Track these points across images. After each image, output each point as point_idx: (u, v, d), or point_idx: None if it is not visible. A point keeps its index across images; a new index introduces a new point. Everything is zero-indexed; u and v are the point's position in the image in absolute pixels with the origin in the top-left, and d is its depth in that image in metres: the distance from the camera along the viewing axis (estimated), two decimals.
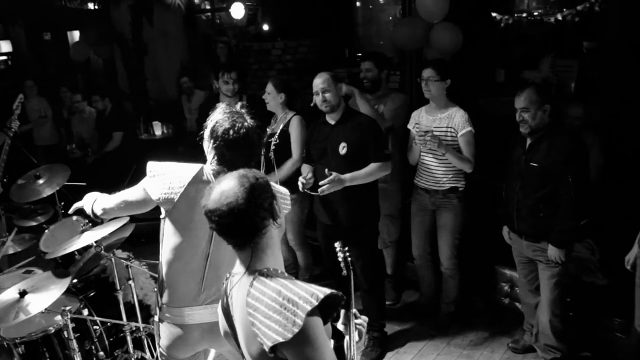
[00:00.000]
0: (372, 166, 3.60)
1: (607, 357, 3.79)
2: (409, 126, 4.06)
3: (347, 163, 3.61)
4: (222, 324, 1.81)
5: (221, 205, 1.62)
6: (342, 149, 3.62)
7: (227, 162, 2.31)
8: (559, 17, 4.49)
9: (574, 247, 3.57)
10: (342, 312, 2.00)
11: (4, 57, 9.49)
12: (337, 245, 2.30)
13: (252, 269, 1.67)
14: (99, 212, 2.64)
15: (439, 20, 4.73)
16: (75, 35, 9.57)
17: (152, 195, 2.38)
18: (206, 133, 2.36)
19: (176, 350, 2.52)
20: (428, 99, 3.96)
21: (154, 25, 8.40)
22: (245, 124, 2.30)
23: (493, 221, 4.47)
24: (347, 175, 3.53)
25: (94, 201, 2.68)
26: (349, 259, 2.25)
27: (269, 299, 1.55)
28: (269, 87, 4.23)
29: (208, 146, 2.37)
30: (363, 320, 2.04)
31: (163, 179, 2.39)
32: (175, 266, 2.43)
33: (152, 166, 2.45)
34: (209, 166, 2.39)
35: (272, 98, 4.23)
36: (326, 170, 3.55)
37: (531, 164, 3.40)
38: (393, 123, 4.26)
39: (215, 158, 2.35)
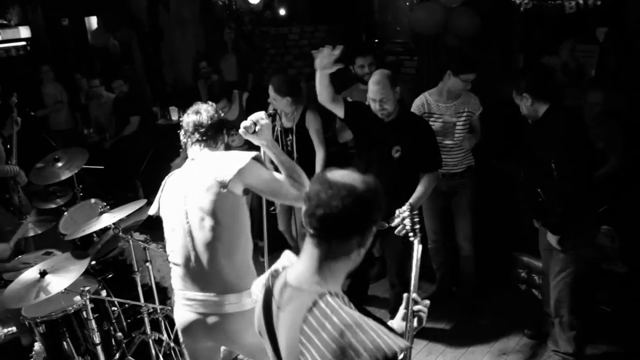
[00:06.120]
0: (428, 179, 3.44)
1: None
2: None
3: (400, 167, 3.49)
4: (259, 322, 1.66)
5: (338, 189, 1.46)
6: (396, 152, 3.47)
7: (204, 141, 2.52)
8: (580, 1, 4.40)
9: (584, 242, 3.34)
10: (405, 295, 1.90)
11: (24, 43, 9.53)
12: (404, 208, 2.21)
13: (318, 287, 1.49)
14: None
15: (457, 5, 4.68)
16: (93, 20, 9.61)
17: (150, 213, 2.68)
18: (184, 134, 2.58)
19: (186, 337, 2.55)
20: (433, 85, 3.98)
21: (170, 10, 8.39)
22: (196, 106, 2.58)
23: (509, 207, 4.45)
24: (413, 201, 3.37)
25: None
26: (418, 227, 2.14)
27: (328, 337, 1.36)
28: (272, 93, 4.05)
29: (189, 141, 2.55)
30: (424, 305, 1.88)
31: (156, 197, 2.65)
32: (171, 256, 2.53)
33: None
34: (188, 161, 2.57)
35: (279, 102, 4.07)
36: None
37: (529, 149, 3.40)
38: None
39: (199, 143, 2.52)
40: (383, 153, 3.49)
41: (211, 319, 2.41)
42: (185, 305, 2.48)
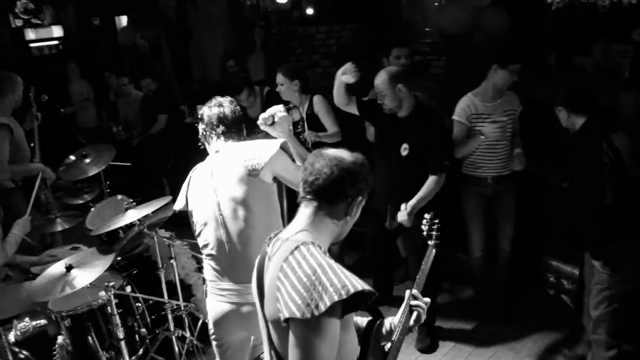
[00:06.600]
0: (430, 182, 3.44)
1: None
2: (459, 118, 3.81)
3: (408, 164, 3.49)
4: (254, 281, 1.80)
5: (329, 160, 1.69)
6: (404, 150, 3.48)
7: (230, 133, 2.54)
8: None
9: (630, 260, 3.12)
10: (407, 291, 2.03)
11: (56, 42, 9.71)
12: (427, 216, 2.44)
13: (304, 237, 1.66)
14: None
15: (487, 4, 4.61)
16: (123, 19, 9.75)
17: (175, 208, 2.70)
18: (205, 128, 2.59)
19: (219, 329, 2.55)
20: (470, 86, 3.87)
21: (198, 9, 8.45)
22: (216, 100, 2.59)
23: (539, 211, 4.36)
24: (413, 203, 3.43)
25: None
26: (434, 233, 2.37)
27: (302, 274, 1.53)
28: (280, 78, 4.09)
29: (213, 133, 2.56)
30: (423, 302, 2.00)
31: (181, 191, 2.66)
32: (205, 249, 2.54)
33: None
34: (212, 154, 2.58)
35: (287, 88, 4.10)
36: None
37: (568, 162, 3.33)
38: None
39: (224, 136, 2.54)
40: (395, 149, 3.51)
41: (245, 308, 2.44)
42: (219, 296, 2.50)
